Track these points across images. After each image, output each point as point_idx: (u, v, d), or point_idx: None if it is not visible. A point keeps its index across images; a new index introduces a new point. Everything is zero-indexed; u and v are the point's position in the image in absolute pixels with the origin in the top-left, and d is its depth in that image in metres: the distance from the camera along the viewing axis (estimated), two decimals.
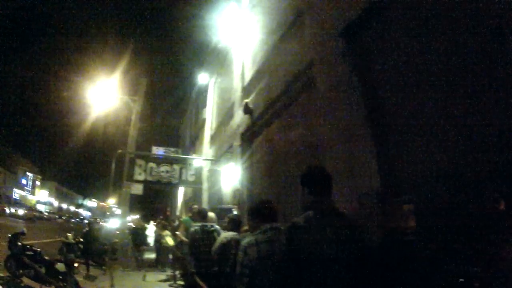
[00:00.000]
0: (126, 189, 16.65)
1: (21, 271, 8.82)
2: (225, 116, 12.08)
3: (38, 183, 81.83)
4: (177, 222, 15.38)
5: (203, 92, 18.90)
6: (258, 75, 8.81)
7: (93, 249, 16.11)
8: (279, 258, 3.08)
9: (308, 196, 3.01)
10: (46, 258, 9.26)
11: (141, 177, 12.44)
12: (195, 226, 7.70)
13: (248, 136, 9.08)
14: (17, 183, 69.51)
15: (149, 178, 12.47)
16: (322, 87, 5.24)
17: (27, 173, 75.20)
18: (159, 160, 13.20)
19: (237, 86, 10.62)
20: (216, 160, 12.66)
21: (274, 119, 7.65)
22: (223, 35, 12.99)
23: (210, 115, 15.57)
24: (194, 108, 23.03)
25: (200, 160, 14.29)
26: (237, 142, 9.56)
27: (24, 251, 9.10)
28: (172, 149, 18.09)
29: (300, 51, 6.28)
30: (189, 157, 16.65)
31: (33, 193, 77.47)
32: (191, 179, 12.81)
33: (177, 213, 30.33)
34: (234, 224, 6.49)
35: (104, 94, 17.80)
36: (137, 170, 12.38)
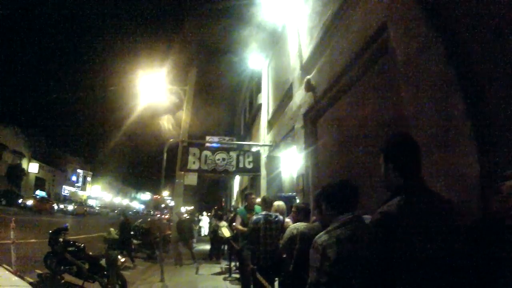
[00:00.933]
0: (179, 180, 16.57)
1: (62, 267, 8.77)
2: (283, 98, 11.48)
3: (89, 179, 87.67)
4: (233, 213, 15.16)
5: (256, 77, 18.57)
6: (318, 49, 8.11)
7: (145, 242, 16.69)
8: (366, 260, 2.30)
9: (395, 174, 2.41)
10: (90, 253, 9.19)
11: (195, 166, 12.07)
12: (258, 215, 7.30)
13: (312, 116, 8.41)
14: (66, 180, 75.20)
15: (204, 167, 12.08)
16: (400, 54, 4.50)
17: (77, 170, 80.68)
18: (214, 148, 12.87)
19: (294, 64, 9.99)
20: (275, 145, 12.15)
21: (342, 94, 6.92)
22: (274, 14, 12.46)
23: (266, 100, 15.05)
24: (248, 94, 22.72)
25: (258, 147, 13.85)
26: (299, 124, 8.93)
27: (66, 248, 9.03)
28: (227, 138, 17.73)
29: (367, 16, 5.57)
30: (246, 143, 16.28)
31: (84, 189, 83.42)
32: (249, 166, 12.34)
33: (233, 203, 30.35)
34: (304, 214, 5.97)
35: (152, 86, 17.61)
36: (191, 159, 12.03)
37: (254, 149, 13.91)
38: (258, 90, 17.34)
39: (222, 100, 27.29)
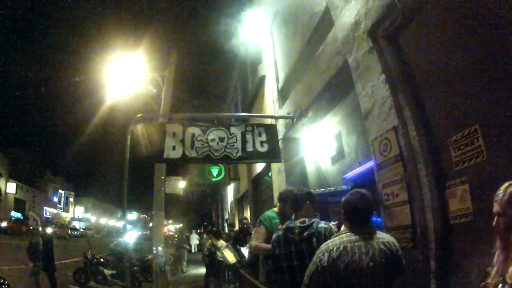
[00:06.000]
0: (159, 187, 12.41)
1: None
2: (309, 41, 8.15)
3: (71, 199, 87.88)
4: (235, 226, 11.89)
5: (253, 48, 15.24)
6: None
7: (119, 271, 13.71)
8: None
9: None
10: None
11: (176, 153, 7.72)
12: (279, 231, 4.45)
13: (389, 28, 4.85)
14: (48, 202, 74.41)
15: (191, 153, 7.71)
16: None
17: (59, 191, 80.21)
18: (206, 123, 8.34)
19: None
20: (298, 117, 8.33)
21: None
22: None
23: (273, 67, 11.65)
24: (243, 71, 19.22)
25: (272, 120, 9.60)
26: (361, 50, 5.33)
27: None
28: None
29: None
30: (256, 115, 12.22)
31: (66, 211, 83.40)
32: (262, 148, 8.06)
33: (226, 216, 26.79)
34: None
35: (126, 78, 13.98)
36: (169, 141, 7.73)
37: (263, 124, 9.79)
38: (258, 60, 14.29)
39: (209, 91, 24.02)
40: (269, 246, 4.62)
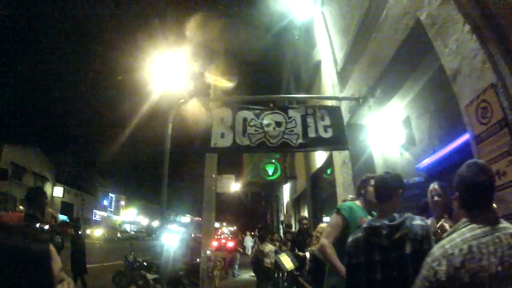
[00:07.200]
0: (209, 185, 11.58)
1: None
2: (366, 16, 7.27)
3: (122, 203, 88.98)
4: (292, 227, 10.99)
5: (304, 35, 14.75)
6: None
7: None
8: None
9: None
10: None
11: (225, 142, 6.75)
12: (357, 232, 3.25)
13: None
14: (97, 205, 75.63)
15: (243, 141, 6.74)
16: None
17: (109, 194, 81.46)
18: (260, 107, 7.33)
19: None
20: (363, 97, 7.38)
21: None
22: None
23: (329, 49, 10.75)
24: (295, 61, 18.44)
25: (336, 102, 8.51)
26: (435, 3, 4.60)
27: None
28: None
29: None
30: (317, 96, 11.24)
31: (117, 214, 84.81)
32: (326, 134, 7.00)
33: (281, 218, 26.08)
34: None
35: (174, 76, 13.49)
36: (217, 127, 6.83)
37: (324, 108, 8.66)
38: (312, 45, 13.50)
39: (260, 84, 23.51)
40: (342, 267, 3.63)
